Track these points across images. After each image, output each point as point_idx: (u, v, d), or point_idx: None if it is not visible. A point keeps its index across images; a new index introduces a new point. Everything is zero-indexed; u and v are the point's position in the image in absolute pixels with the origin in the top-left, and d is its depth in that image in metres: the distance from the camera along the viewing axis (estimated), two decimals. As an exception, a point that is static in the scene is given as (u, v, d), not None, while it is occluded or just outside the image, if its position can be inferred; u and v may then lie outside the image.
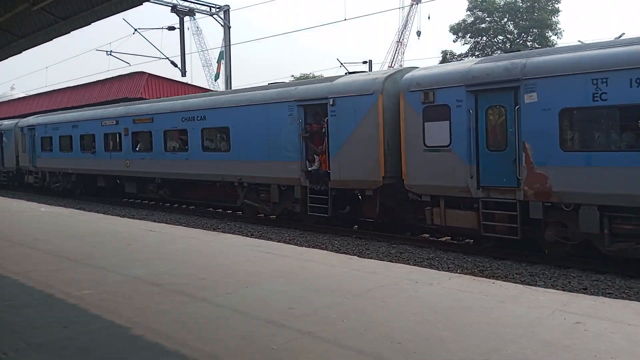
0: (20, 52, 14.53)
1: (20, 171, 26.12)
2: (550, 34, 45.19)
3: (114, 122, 19.10)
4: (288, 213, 13.99)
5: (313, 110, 12.86)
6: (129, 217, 15.48)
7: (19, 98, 43.31)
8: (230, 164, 14.58)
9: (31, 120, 25.10)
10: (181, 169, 16.26)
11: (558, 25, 45.30)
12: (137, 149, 18.32)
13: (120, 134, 18.88)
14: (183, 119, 16.06)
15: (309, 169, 12.75)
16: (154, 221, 14.27)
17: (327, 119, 12.20)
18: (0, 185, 28.41)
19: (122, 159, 18.73)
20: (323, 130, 12.43)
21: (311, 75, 51.92)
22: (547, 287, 7.44)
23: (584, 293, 7.37)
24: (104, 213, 16.27)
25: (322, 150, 12.50)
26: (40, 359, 4.12)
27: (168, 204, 19.05)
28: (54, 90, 35.04)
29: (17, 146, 25.83)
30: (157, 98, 29.76)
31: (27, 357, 4.13)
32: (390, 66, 53.23)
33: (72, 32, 11.90)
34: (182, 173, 16.38)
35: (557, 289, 7.32)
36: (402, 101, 10.74)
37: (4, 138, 27.18)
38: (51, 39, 12.74)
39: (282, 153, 13.16)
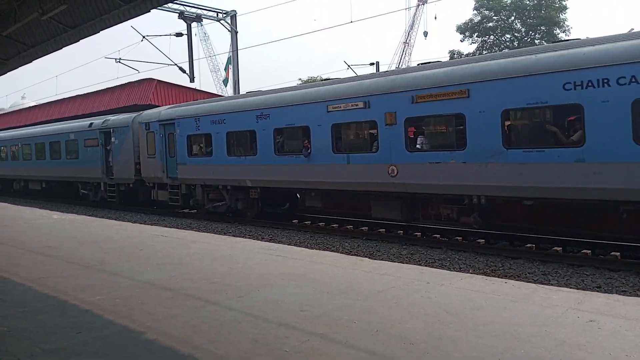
0: (31, 62, 14.80)
1: (143, 184, 19.10)
2: (558, 31, 45.00)
3: (360, 105, 11.87)
4: None
5: None
6: (140, 223, 15.57)
7: (30, 107, 43.75)
8: None
9: (166, 112, 17.90)
10: (554, 180, 8.95)
11: (566, 23, 45.17)
12: (417, 146, 11.21)
13: (375, 124, 11.67)
14: (568, 86, 8.61)
15: None
16: (165, 226, 14.38)
17: None
18: (104, 203, 21.38)
19: (381, 165, 11.54)
20: None
21: (318, 78, 51.77)
22: (560, 286, 7.40)
23: (597, 291, 7.31)
24: (115, 219, 16.43)
25: None
26: (54, 364, 4.16)
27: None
28: (65, 99, 35.35)
29: (137, 149, 19.10)
30: (474, 56, 16.10)
31: (42, 362, 4.17)
32: (398, 67, 53.15)
33: (81, 41, 12.09)
34: (553, 188, 9.02)
35: (571, 287, 7.28)
36: None
37: (112, 138, 20.25)
38: (60, 48, 12.96)
39: None
